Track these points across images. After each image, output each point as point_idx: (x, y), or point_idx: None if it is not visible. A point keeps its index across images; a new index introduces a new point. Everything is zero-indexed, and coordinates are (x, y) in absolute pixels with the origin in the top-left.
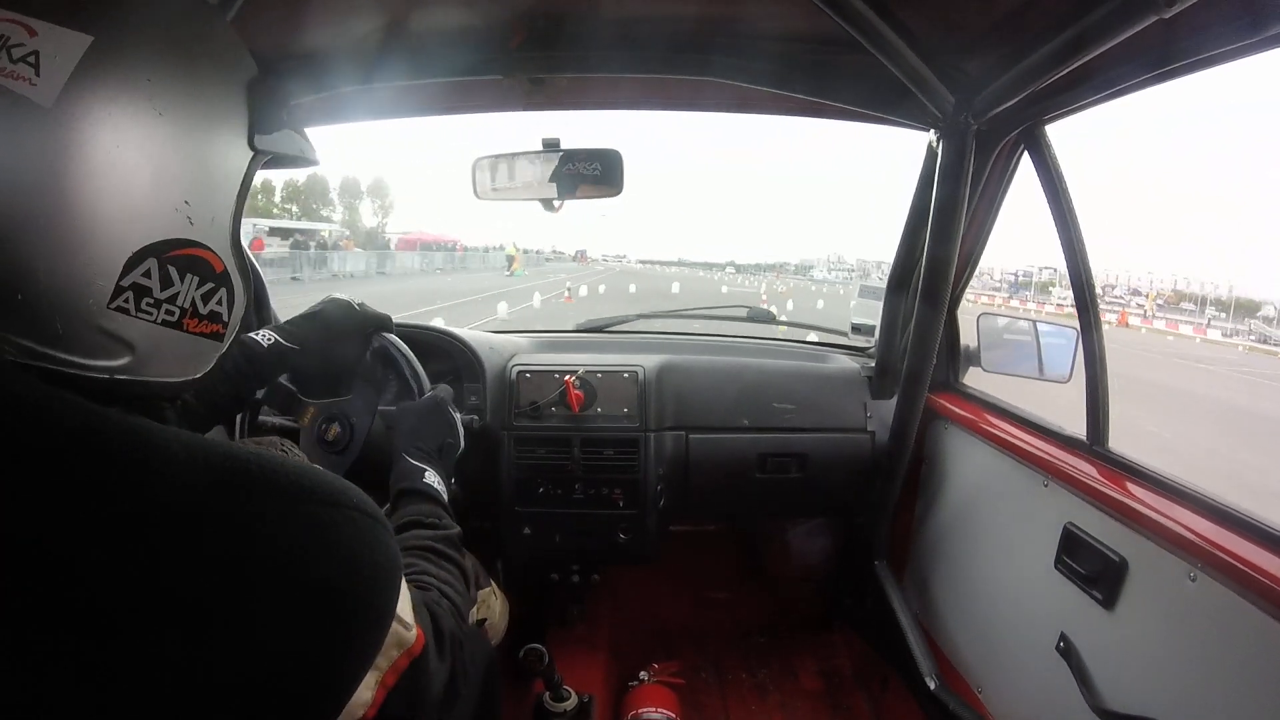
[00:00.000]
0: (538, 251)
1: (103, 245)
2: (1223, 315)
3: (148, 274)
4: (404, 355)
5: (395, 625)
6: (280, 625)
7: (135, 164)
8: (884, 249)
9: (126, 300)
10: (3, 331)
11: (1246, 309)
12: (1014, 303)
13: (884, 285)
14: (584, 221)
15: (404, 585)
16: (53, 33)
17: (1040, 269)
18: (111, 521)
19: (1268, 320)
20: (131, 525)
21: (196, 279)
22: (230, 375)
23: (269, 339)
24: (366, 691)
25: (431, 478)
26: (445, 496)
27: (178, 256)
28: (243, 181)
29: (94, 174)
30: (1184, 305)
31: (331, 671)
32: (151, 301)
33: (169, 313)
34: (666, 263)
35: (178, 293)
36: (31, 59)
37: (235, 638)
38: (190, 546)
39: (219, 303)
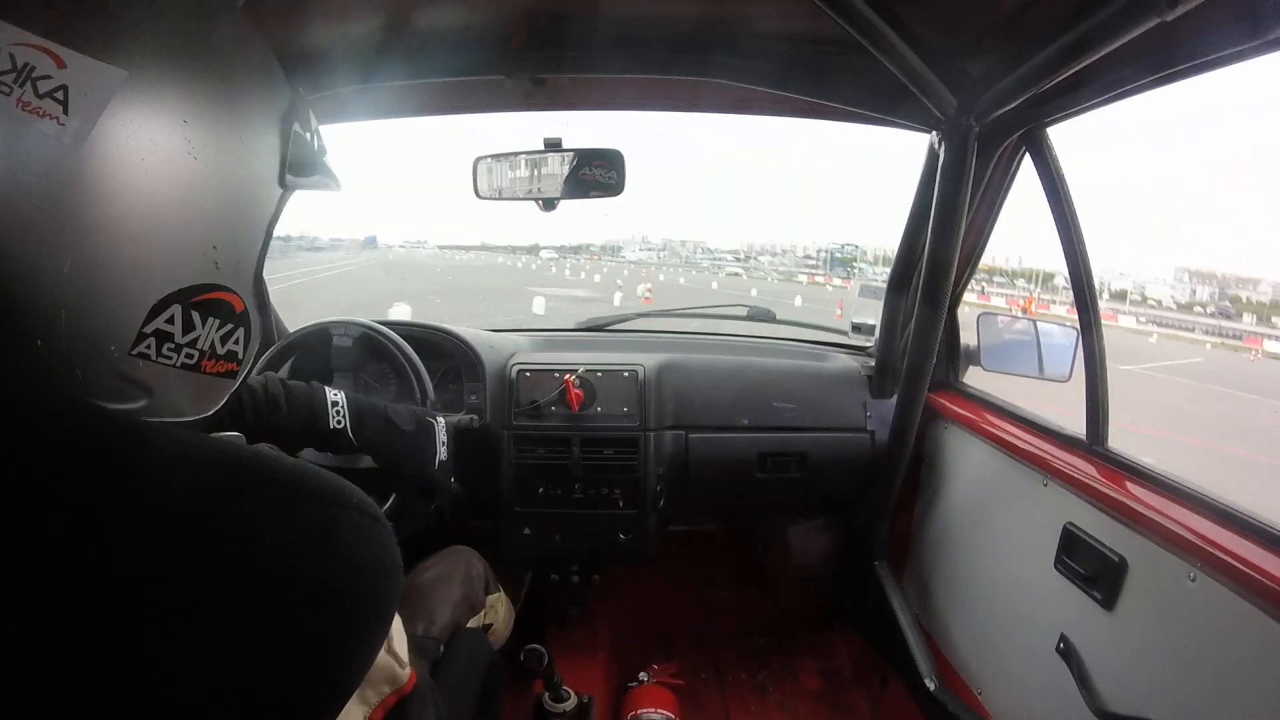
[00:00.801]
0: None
1: (128, 293)
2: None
3: (171, 320)
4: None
5: (390, 658)
6: (279, 625)
7: (166, 210)
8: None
9: (148, 346)
10: (21, 375)
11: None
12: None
13: (880, 284)
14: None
15: (399, 624)
16: (84, 65)
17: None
18: (109, 521)
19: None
20: (129, 525)
21: (217, 322)
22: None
23: (339, 420)
24: None
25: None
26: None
27: (203, 301)
28: (270, 220)
29: (123, 220)
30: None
31: (331, 672)
32: (172, 346)
33: (188, 356)
34: (466, 247)
35: (198, 336)
36: (60, 94)
37: (234, 637)
38: (188, 546)
39: (236, 342)
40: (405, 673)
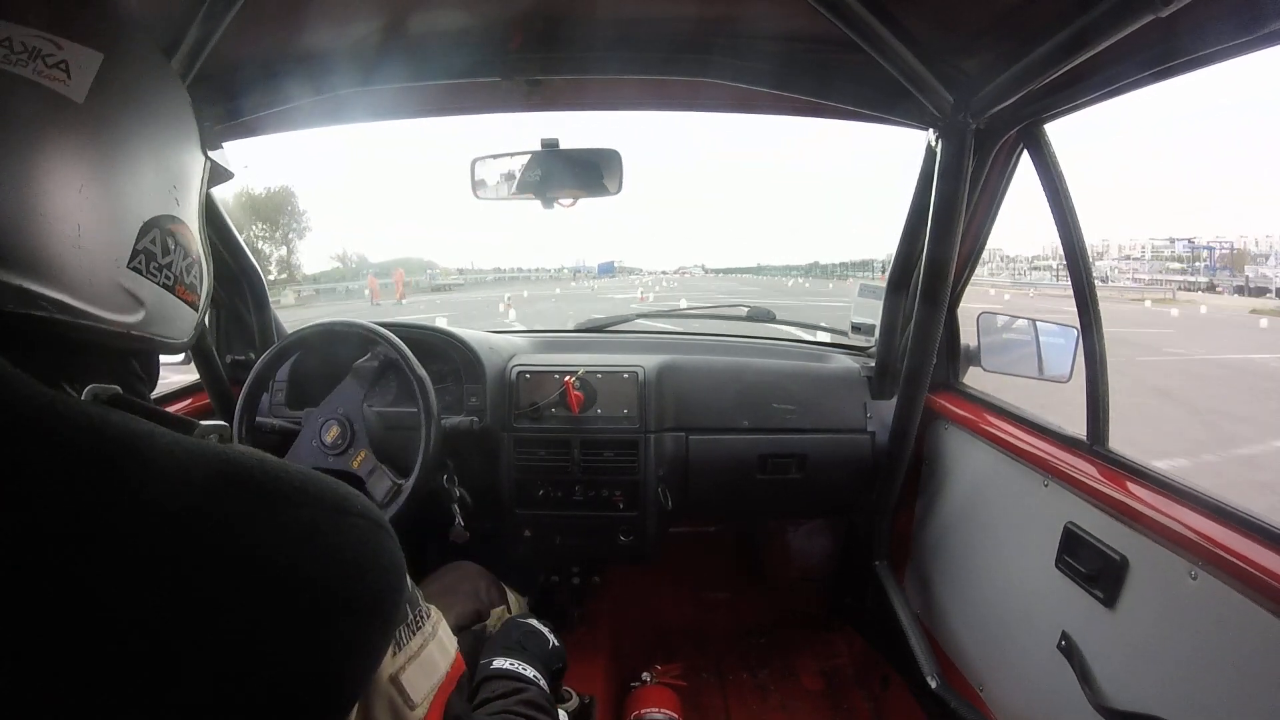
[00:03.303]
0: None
1: (124, 211)
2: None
3: (154, 241)
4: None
5: (392, 691)
6: (283, 633)
7: (145, 150)
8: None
9: (140, 262)
10: (44, 288)
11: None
12: None
13: (880, 284)
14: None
15: (427, 658)
16: (75, 48)
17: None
18: (111, 526)
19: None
20: (131, 530)
21: (183, 251)
22: None
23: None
24: None
25: (501, 661)
26: (526, 670)
27: (172, 230)
28: (203, 179)
29: (118, 156)
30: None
31: (333, 678)
32: (156, 265)
33: (167, 277)
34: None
35: (172, 261)
36: (63, 66)
37: (238, 645)
38: (191, 551)
39: (195, 277)
40: (415, 714)
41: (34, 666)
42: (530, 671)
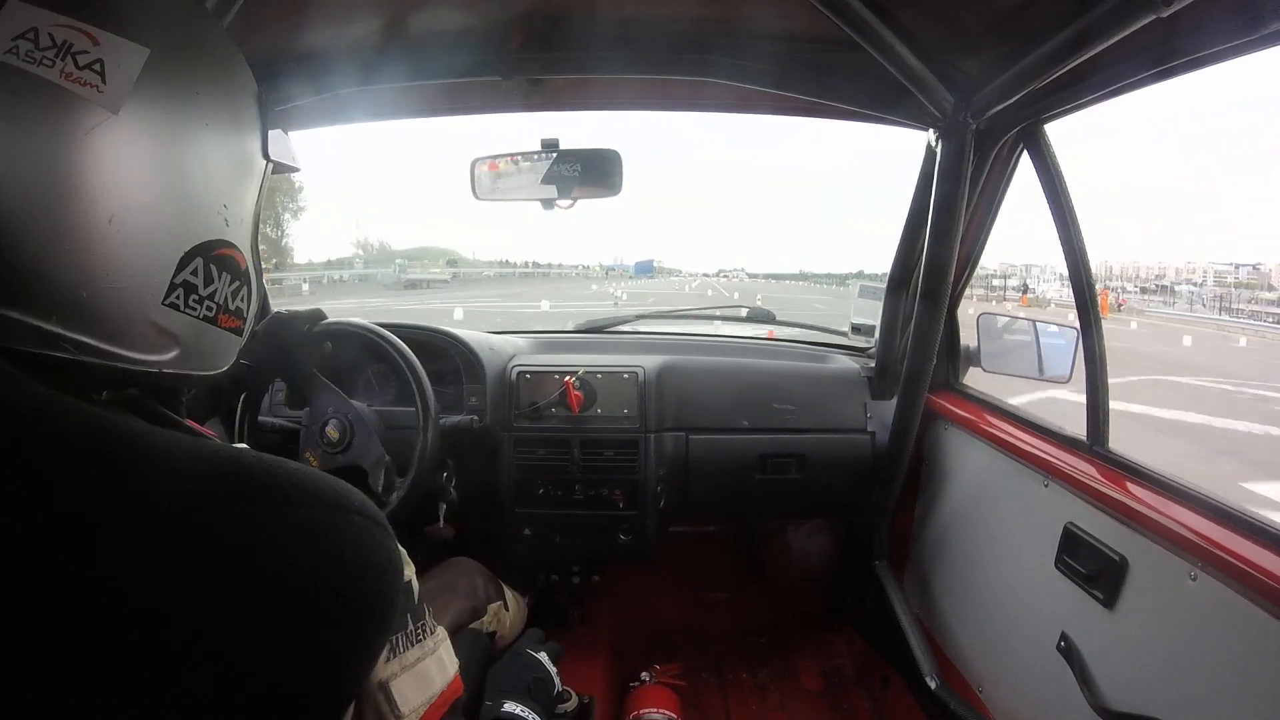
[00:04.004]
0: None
1: (161, 244)
2: None
3: (195, 272)
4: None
5: (380, 698)
6: (281, 631)
7: (189, 167)
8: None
9: (178, 297)
10: (66, 330)
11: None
12: None
13: (879, 285)
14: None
15: (422, 671)
16: (114, 42)
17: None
18: (110, 525)
19: None
20: (130, 529)
21: (229, 276)
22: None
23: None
24: None
25: (512, 706)
26: (538, 712)
27: (218, 256)
28: (261, 191)
29: (155, 177)
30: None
31: (332, 676)
32: (197, 298)
33: (209, 309)
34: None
35: (216, 290)
36: (97, 66)
37: (236, 642)
38: (191, 551)
39: (242, 300)
40: None
41: (34, 665)
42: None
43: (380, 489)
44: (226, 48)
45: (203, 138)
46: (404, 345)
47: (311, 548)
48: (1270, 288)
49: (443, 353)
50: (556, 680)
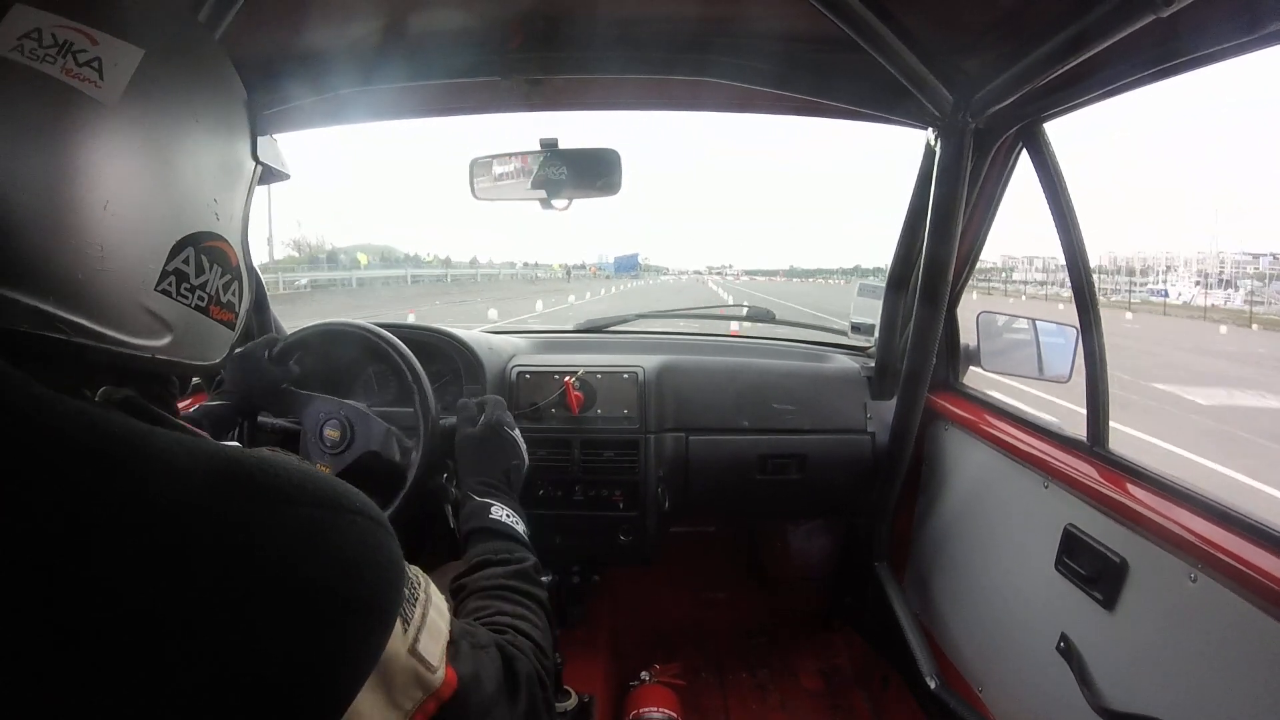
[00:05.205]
0: None
1: (154, 232)
2: None
3: (186, 261)
4: (398, 351)
5: (413, 660)
6: (280, 631)
7: (181, 161)
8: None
9: (169, 284)
10: (62, 310)
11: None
12: None
13: (879, 284)
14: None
15: (435, 624)
16: (111, 43)
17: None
18: (108, 525)
19: None
20: (128, 528)
21: (220, 269)
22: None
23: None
24: None
25: (499, 510)
26: (519, 527)
27: (209, 247)
28: (249, 187)
29: (149, 168)
30: None
31: (331, 676)
32: (188, 287)
33: (200, 298)
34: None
35: (207, 280)
36: (95, 64)
37: (235, 642)
38: (189, 550)
39: (233, 294)
40: (437, 677)
41: (31, 666)
42: (520, 526)
43: (398, 458)
44: (217, 55)
45: (193, 135)
46: (403, 345)
47: (311, 547)
48: None
49: (442, 353)
50: (526, 458)
